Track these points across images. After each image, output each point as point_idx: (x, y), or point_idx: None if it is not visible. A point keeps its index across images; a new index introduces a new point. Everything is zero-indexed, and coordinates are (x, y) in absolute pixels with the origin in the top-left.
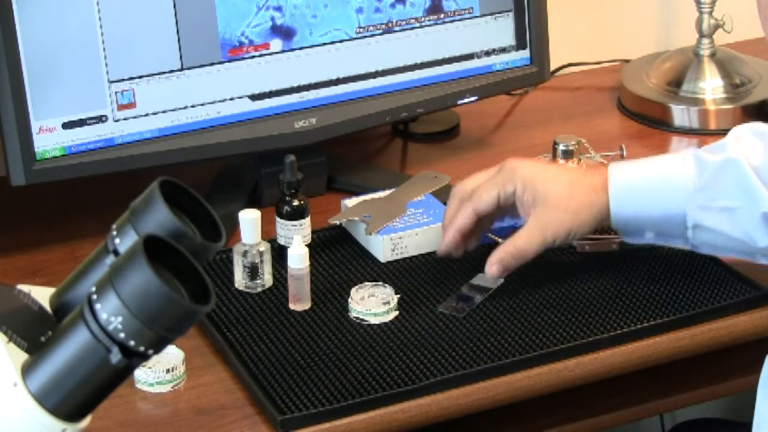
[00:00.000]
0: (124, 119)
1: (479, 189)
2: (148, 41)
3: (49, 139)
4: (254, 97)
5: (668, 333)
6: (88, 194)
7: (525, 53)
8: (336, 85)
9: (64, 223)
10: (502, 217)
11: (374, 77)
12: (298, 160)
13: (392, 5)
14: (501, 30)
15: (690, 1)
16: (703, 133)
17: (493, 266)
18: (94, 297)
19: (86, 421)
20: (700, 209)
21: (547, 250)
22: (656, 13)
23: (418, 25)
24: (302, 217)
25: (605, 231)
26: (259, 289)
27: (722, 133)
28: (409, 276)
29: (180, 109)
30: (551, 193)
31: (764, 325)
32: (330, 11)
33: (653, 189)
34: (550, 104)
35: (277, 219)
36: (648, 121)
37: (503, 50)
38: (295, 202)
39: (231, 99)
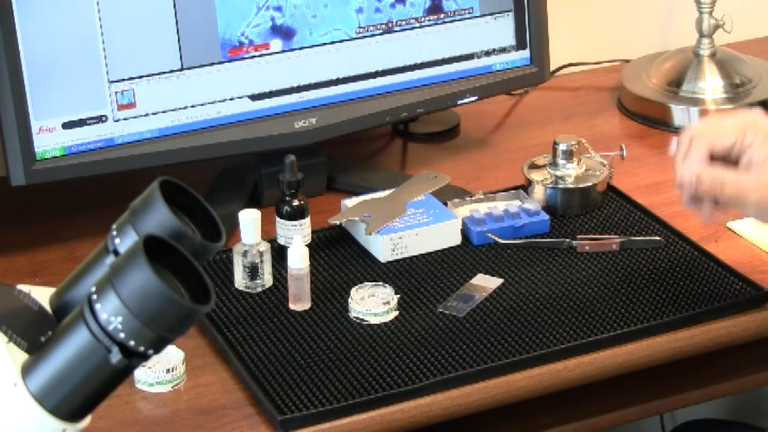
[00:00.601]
0: (124, 119)
1: (719, 127)
2: (148, 41)
3: (49, 139)
4: (254, 97)
5: (668, 333)
6: (88, 194)
7: (525, 53)
8: (336, 85)
9: (64, 223)
10: (502, 218)
11: (374, 77)
12: (298, 160)
13: (392, 5)
14: (501, 30)
15: (690, 1)
16: None
17: (688, 173)
18: (94, 297)
19: (86, 421)
20: None
21: (547, 250)
22: (656, 13)
23: (418, 25)
24: (302, 217)
25: (605, 231)
26: (259, 289)
27: None
28: (409, 276)
29: (180, 109)
30: None
31: (764, 325)
32: (330, 11)
33: None
34: (550, 104)
35: (277, 219)
36: (648, 121)
37: (503, 50)
38: (295, 202)
39: (231, 99)
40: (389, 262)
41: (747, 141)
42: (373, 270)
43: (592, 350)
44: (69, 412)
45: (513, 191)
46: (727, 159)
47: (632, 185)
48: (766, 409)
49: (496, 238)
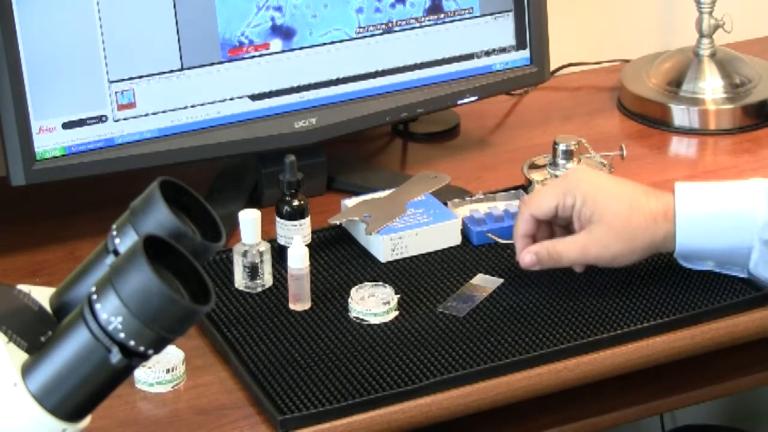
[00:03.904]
0: (124, 119)
1: (538, 194)
2: (148, 41)
3: (49, 139)
4: (254, 97)
5: (668, 333)
6: (88, 194)
7: (525, 53)
8: (336, 85)
9: (64, 223)
10: (502, 218)
11: (374, 77)
12: (298, 160)
13: (392, 5)
14: (501, 30)
15: (690, 1)
16: (703, 133)
17: (527, 255)
18: (94, 297)
19: (86, 421)
20: (765, 244)
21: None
22: (656, 13)
23: (418, 25)
24: (302, 217)
25: None
26: (259, 289)
27: (722, 133)
28: (409, 276)
29: (180, 109)
30: (609, 212)
31: (764, 325)
32: (330, 11)
33: (722, 223)
34: (550, 104)
35: (277, 219)
36: (648, 121)
37: (503, 50)
38: (295, 202)
39: (231, 99)
40: (389, 262)
41: (568, 203)
42: (373, 270)
43: (591, 350)
44: (69, 412)
45: (513, 191)
46: (562, 218)
47: None
48: (765, 411)
49: (496, 238)
